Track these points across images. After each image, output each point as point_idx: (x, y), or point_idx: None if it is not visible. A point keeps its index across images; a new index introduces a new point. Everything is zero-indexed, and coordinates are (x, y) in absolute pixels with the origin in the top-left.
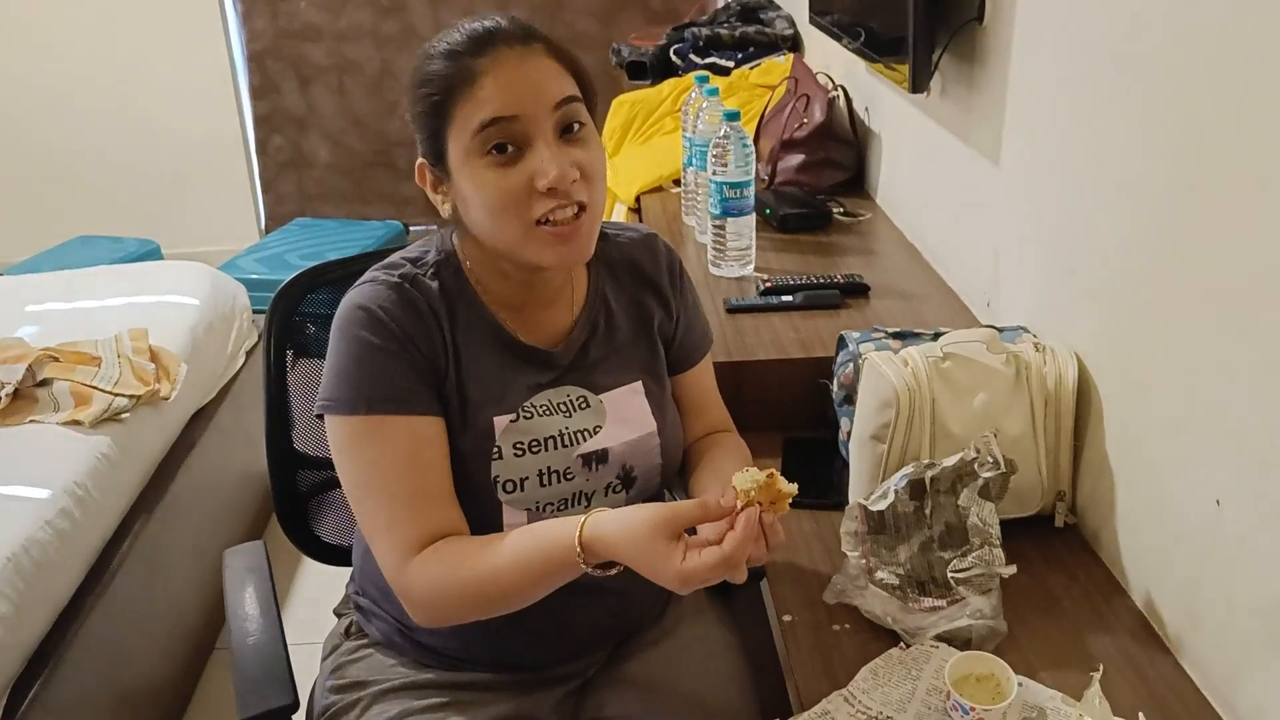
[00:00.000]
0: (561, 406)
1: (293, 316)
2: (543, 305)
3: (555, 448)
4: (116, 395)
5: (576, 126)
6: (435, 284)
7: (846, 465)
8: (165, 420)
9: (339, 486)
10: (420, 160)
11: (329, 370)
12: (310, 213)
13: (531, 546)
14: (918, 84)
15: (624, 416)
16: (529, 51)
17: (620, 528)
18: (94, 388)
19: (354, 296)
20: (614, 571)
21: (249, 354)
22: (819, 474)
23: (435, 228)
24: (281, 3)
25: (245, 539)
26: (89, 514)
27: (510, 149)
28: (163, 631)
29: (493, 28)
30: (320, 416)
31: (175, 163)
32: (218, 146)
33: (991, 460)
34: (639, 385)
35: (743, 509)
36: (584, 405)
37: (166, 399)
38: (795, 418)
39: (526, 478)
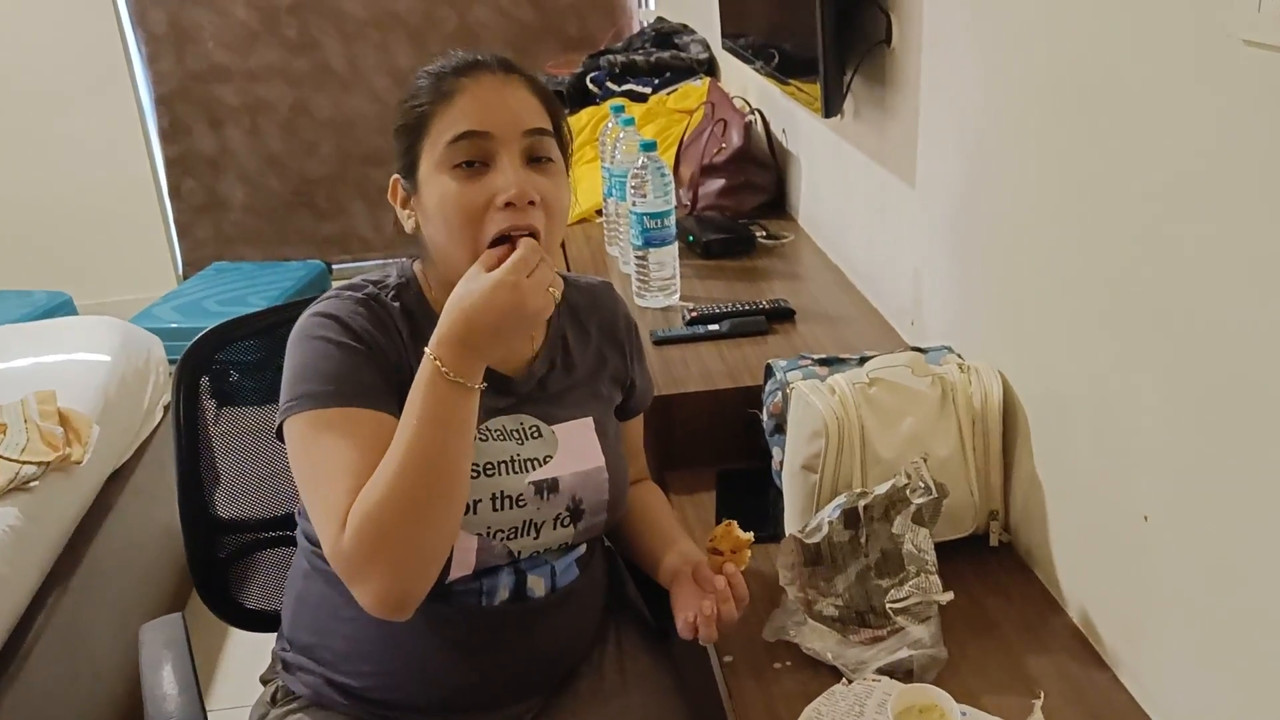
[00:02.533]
0: (515, 433)
1: (201, 376)
2: None
3: (508, 473)
4: (24, 463)
5: (545, 159)
6: (396, 304)
7: (779, 494)
8: (78, 486)
9: (264, 548)
10: (395, 176)
11: (290, 376)
12: (229, 256)
13: (408, 407)
14: (830, 108)
15: (574, 449)
16: (510, 79)
17: (447, 304)
18: None
19: (315, 309)
20: (480, 379)
21: (167, 409)
22: (754, 506)
23: (366, 262)
24: (188, 44)
25: (172, 604)
26: None
27: (477, 164)
28: (85, 711)
29: (480, 57)
30: (279, 434)
31: (86, 211)
32: (129, 192)
33: (923, 486)
34: (590, 421)
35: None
36: (536, 434)
37: (78, 463)
38: (727, 449)
39: (480, 500)
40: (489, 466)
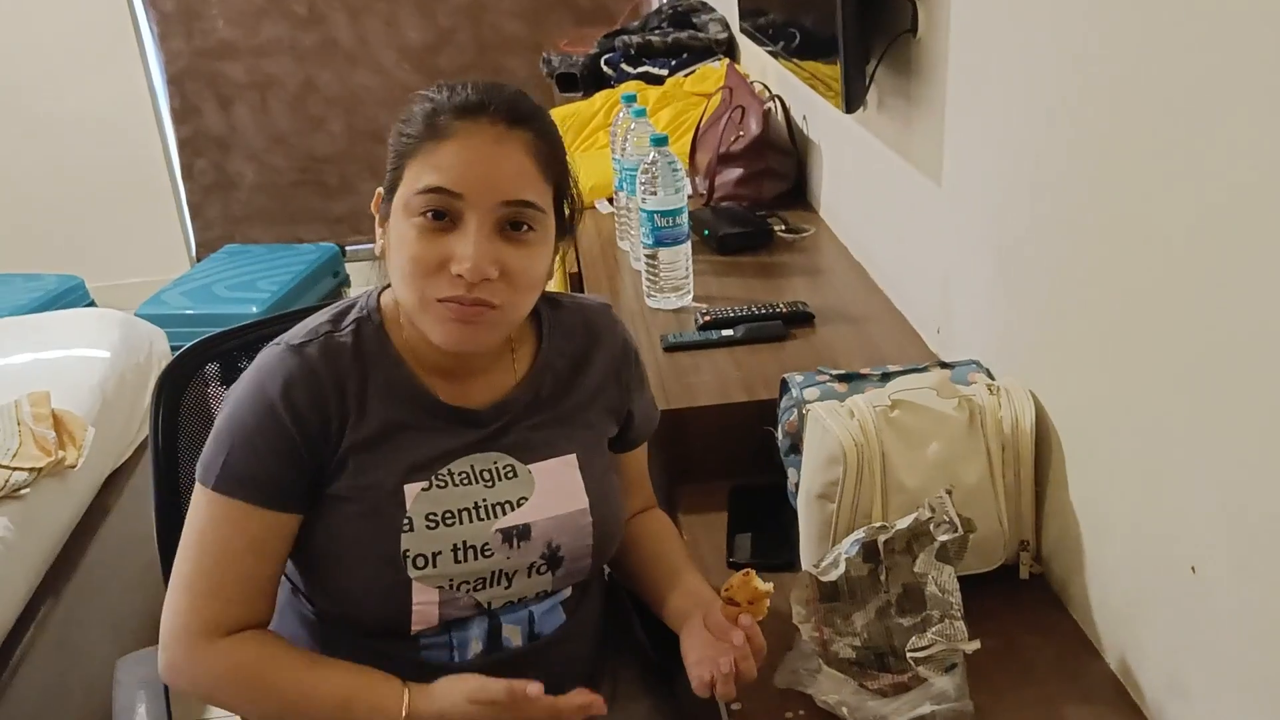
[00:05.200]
0: (484, 475)
1: (179, 405)
2: (477, 371)
3: (471, 520)
4: (14, 470)
5: (524, 228)
6: (350, 341)
7: (795, 515)
8: (73, 490)
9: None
10: (381, 188)
11: (212, 430)
12: (240, 236)
13: (352, 690)
14: (851, 102)
15: (554, 490)
16: (510, 136)
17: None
18: None
19: (259, 361)
20: None
21: None
22: (769, 528)
23: (373, 244)
24: (196, 21)
25: None
26: None
27: (445, 219)
28: None
29: (486, 100)
30: None
31: (99, 193)
32: (141, 173)
33: (948, 521)
34: (573, 459)
35: None
36: (510, 474)
37: (72, 467)
38: (741, 464)
39: (439, 552)
40: (448, 515)
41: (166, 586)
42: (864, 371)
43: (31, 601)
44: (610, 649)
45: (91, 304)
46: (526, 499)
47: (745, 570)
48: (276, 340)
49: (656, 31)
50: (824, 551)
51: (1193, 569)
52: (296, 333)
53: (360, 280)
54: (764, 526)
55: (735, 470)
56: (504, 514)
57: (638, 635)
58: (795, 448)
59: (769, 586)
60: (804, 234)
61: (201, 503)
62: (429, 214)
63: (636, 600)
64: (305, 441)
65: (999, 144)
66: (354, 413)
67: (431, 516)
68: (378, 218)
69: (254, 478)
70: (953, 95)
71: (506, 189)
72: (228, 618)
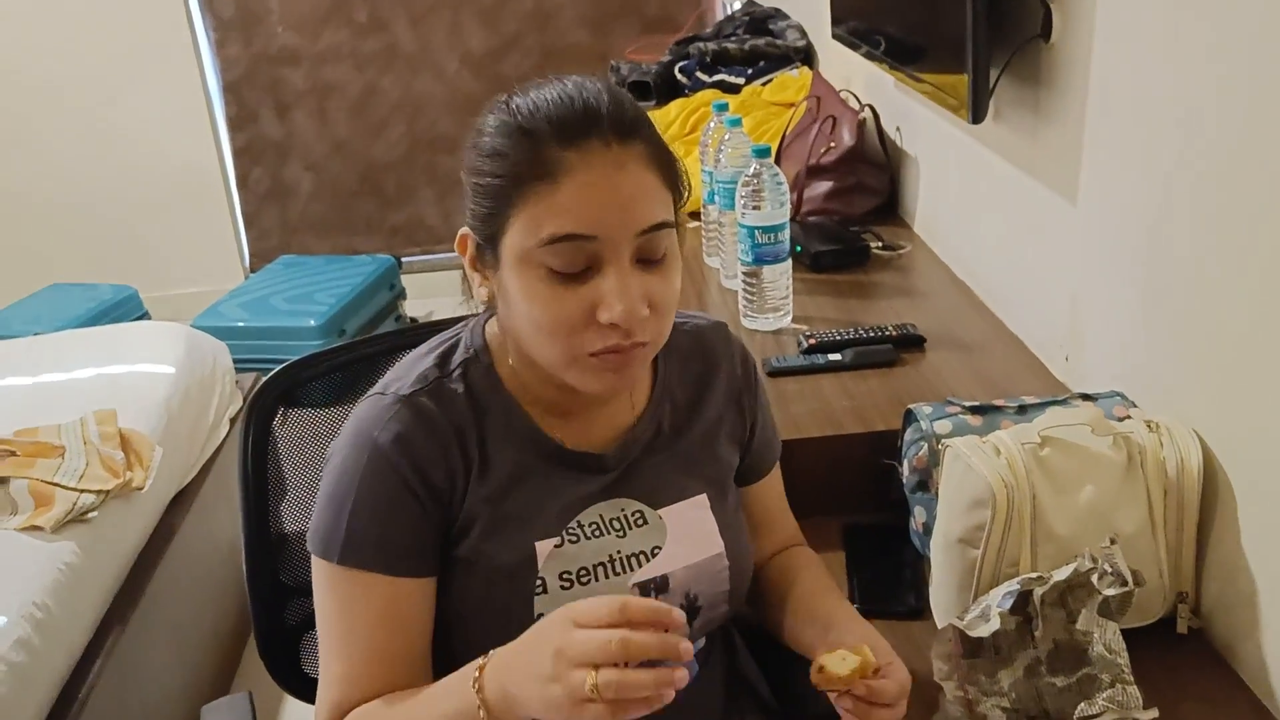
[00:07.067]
0: (614, 524)
1: (269, 430)
2: (595, 407)
3: (607, 576)
4: (82, 492)
5: (660, 257)
6: (461, 387)
7: (920, 557)
8: (139, 512)
9: None
10: (465, 230)
11: (319, 497)
12: (296, 247)
13: (442, 699)
14: (978, 113)
15: (687, 535)
16: (627, 155)
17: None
18: (56, 485)
19: (361, 413)
20: None
21: (233, 422)
22: (889, 570)
23: (435, 255)
24: (256, 27)
25: (236, 631)
26: (50, 638)
27: (578, 269)
28: None
29: (593, 111)
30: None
31: (153, 202)
32: (195, 182)
33: (1112, 573)
34: (704, 499)
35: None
36: (640, 522)
37: (140, 489)
38: (852, 498)
39: None
40: (583, 572)
41: (253, 629)
42: (999, 403)
43: (99, 629)
44: (731, 694)
45: (145, 315)
46: (660, 548)
47: (862, 657)
48: (380, 390)
49: (733, 38)
50: (964, 601)
51: None
52: (401, 380)
53: (414, 292)
54: (884, 568)
55: (845, 505)
56: (639, 566)
57: (753, 677)
58: (923, 485)
59: (848, 671)
60: (901, 251)
61: (326, 579)
62: (560, 271)
63: (754, 647)
64: (430, 498)
65: (1154, 160)
66: (476, 466)
67: (565, 575)
68: (469, 259)
69: (379, 542)
70: (1093, 107)
71: (641, 215)
72: (369, 696)
